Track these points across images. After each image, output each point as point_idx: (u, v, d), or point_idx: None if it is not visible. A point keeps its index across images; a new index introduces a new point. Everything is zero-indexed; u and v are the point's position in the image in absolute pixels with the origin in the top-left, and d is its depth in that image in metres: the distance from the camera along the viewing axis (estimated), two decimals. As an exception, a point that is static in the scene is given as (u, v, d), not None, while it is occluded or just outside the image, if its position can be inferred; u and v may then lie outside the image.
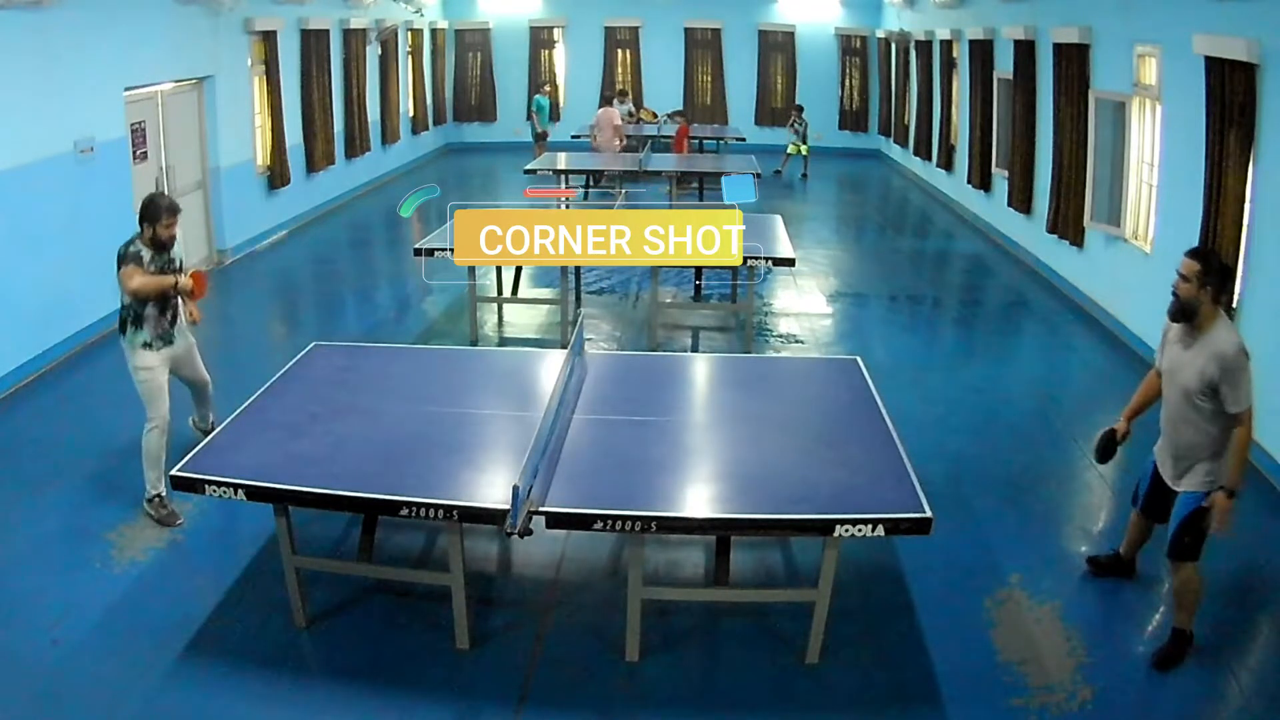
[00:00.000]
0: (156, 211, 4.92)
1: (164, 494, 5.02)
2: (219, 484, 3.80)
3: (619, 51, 19.67)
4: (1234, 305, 6.27)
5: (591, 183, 14.08)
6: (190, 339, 5.38)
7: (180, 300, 5.22)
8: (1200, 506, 3.98)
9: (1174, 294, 3.95)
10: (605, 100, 15.01)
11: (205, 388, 5.59)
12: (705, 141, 17.27)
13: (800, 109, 17.05)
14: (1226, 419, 3.90)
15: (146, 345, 5.02)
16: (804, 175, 16.52)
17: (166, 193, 9.32)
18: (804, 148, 16.48)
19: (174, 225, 4.97)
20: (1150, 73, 7.93)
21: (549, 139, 15.84)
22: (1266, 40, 5.87)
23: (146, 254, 4.95)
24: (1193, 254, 3.96)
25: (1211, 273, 3.87)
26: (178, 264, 5.14)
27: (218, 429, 4.29)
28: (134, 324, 5.01)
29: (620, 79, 19.54)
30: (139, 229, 4.98)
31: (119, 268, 4.89)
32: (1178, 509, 4.07)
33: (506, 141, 19.04)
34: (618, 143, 14.27)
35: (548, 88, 16.94)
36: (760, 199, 14.72)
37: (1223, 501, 3.91)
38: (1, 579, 4.61)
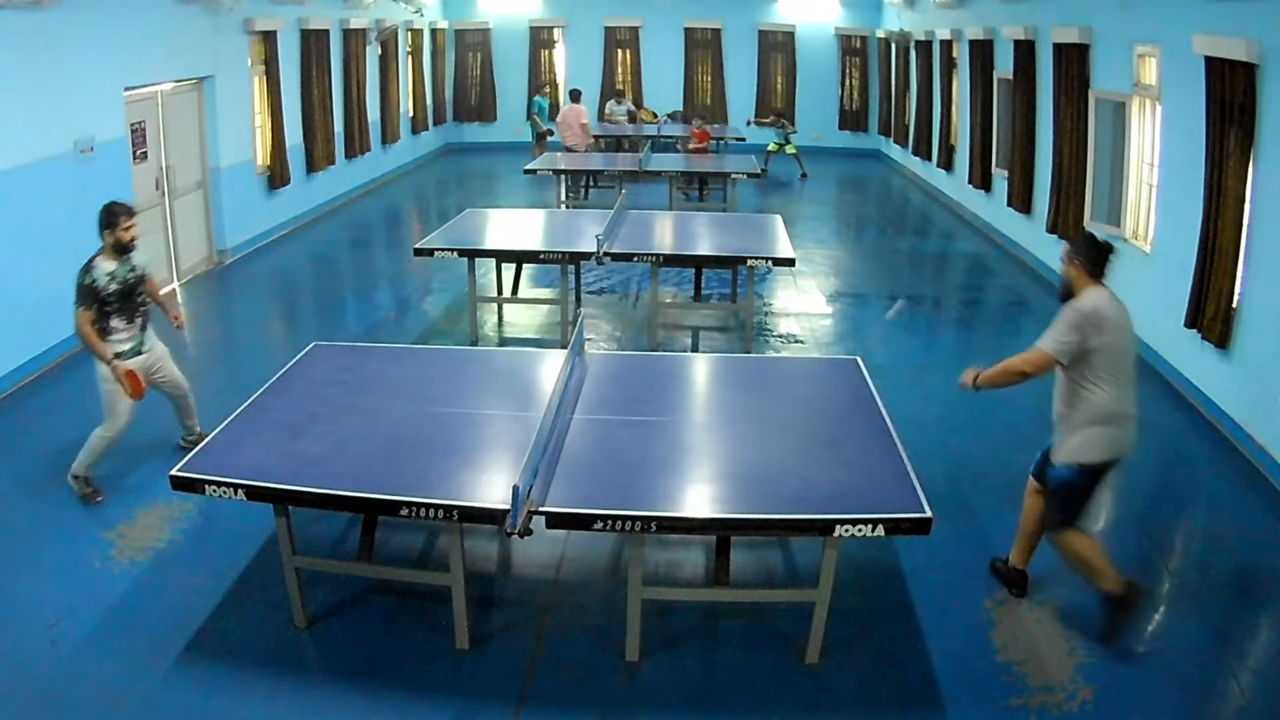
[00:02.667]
0: (114, 216, 4.98)
1: (91, 477, 5.27)
2: (219, 484, 3.80)
3: (619, 51, 19.66)
4: (1234, 305, 6.27)
5: (591, 182, 14.08)
6: (162, 346, 5.41)
7: (150, 308, 5.28)
8: (1064, 482, 4.16)
9: (1060, 277, 4.25)
10: (573, 96, 14.73)
11: (185, 395, 5.57)
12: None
13: (779, 114, 17.09)
14: (1085, 388, 4.05)
15: (117, 356, 5.07)
16: (803, 175, 16.52)
17: (165, 192, 9.34)
18: (789, 147, 16.45)
19: (133, 227, 5.02)
20: (1150, 73, 7.93)
21: (549, 139, 15.83)
22: (1266, 40, 5.87)
23: (107, 271, 4.98)
24: (1068, 238, 4.09)
25: (1079, 250, 4.12)
26: (141, 272, 5.17)
27: (218, 429, 4.27)
28: (102, 337, 5.05)
29: (620, 79, 19.55)
30: (101, 241, 5.02)
31: (75, 300, 4.98)
32: (1048, 484, 4.27)
33: (506, 141, 19.04)
34: (587, 141, 14.07)
35: (547, 89, 16.93)
36: (760, 199, 14.76)
37: (966, 377, 4.29)
38: (1, 579, 4.61)
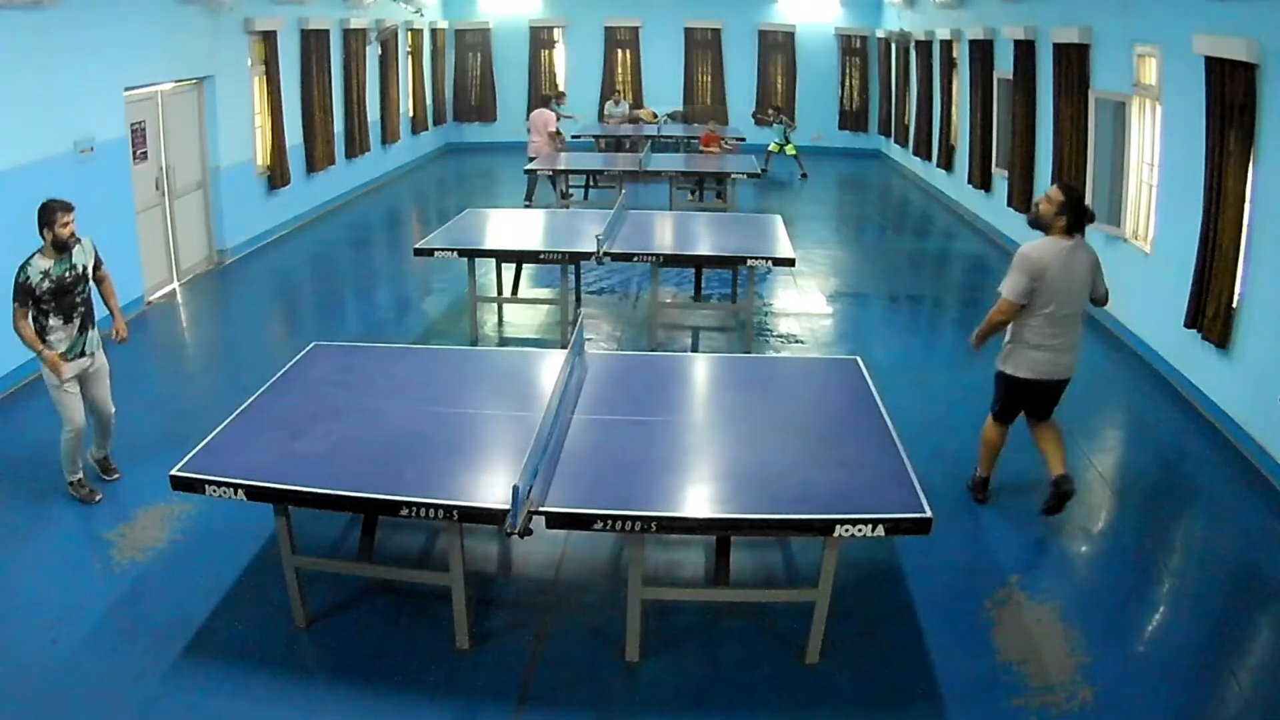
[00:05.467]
0: (50, 212, 4.89)
1: (82, 478, 5.31)
2: (219, 484, 3.80)
3: (619, 51, 19.67)
4: (1234, 305, 6.27)
5: (592, 182, 14.07)
6: (104, 362, 5.31)
7: (90, 310, 5.18)
8: (996, 378, 5.15)
9: (1036, 206, 4.93)
10: (543, 100, 14.21)
11: (108, 419, 5.43)
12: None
13: (779, 110, 17.17)
14: (1022, 316, 4.90)
15: (60, 357, 5.02)
16: (803, 175, 16.52)
17: (165, 192, 9.35)
18: (789, 147, 16.45)
19: (70, 222, 4.93)
20: (1150, 73, 7.93)
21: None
22: (1266, 40, 5.87)
23: (41, 269, 4.91)
24: (1061, 186, 4.89)
25: (1069, 208, 4.77)
26: (80, 270, 5.06)
27: (218, 429, 4.27)
28: (41, 337, 5.01)
29: (620, 79, 19.56)
30: (40, 239, 4.94)
31: (11, 297, 4.94)
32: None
33: (506, 141, 19.04)
34: (551, 147, 13.38)
35: (565, 98, 16.75)
36: (760, 199, 14.76)
37: (973, 338, 5.17)
38: (1, 579, 4.61)
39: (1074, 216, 4.78)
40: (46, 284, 4.94)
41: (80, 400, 5.16)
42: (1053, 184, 4.93)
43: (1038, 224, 4.90)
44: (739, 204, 13.08)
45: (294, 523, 4.13)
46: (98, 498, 5.28)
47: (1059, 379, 5.04)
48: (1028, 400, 5.13)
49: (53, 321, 5.02)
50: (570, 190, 13.29)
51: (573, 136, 16.64)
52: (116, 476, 5.56)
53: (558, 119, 15.49)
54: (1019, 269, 4.79)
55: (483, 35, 19.61)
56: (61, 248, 4.97)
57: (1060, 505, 5.07)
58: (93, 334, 5.21)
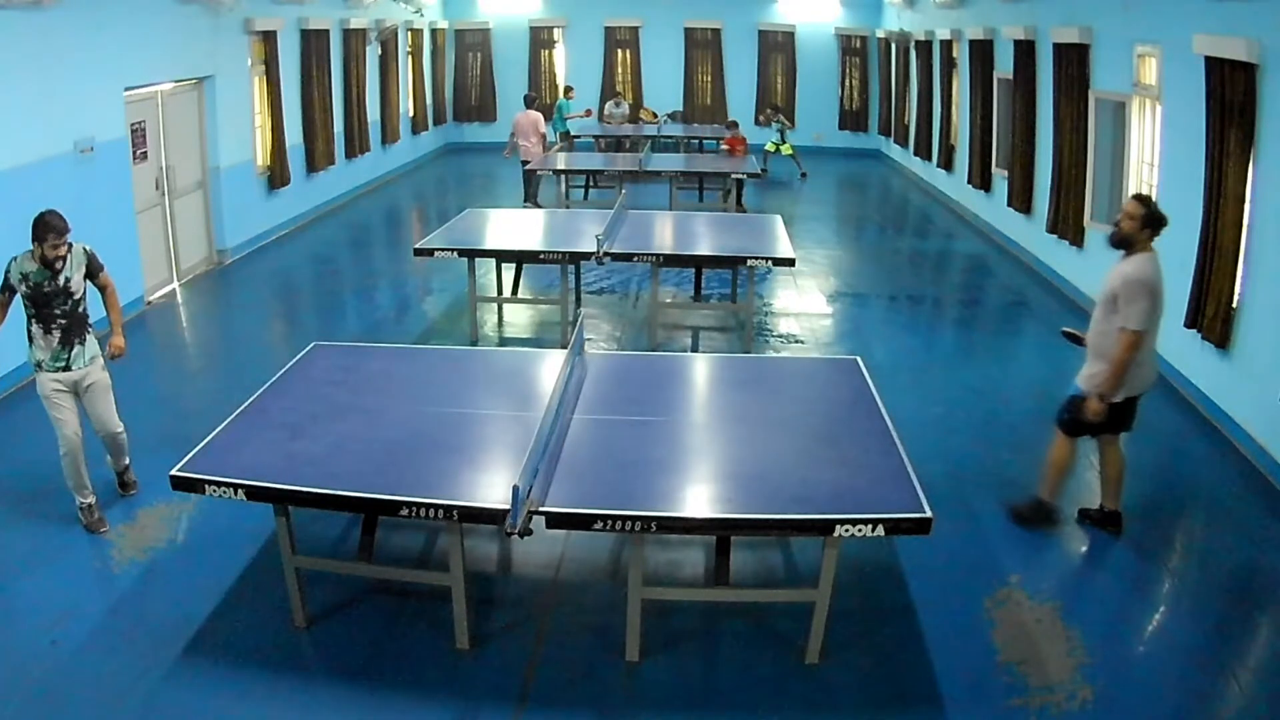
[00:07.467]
0: (43, 231, 4.74)
1: (92, 503, 5.05)
2: (219, 484, 3.79)
3: (619, 51, 19.67)
4: (1234, 305, 6.27)
5: (592, 182, 14.07)
6: (102, 375, 5.06)
7: (76, 327, 4.97)
8: (1076, 395, 4.89)
9: (1117, 226, 4.78)
10: (528, 101, 13.80)
11: (112, 438, 5.18)
12: (705, 141, 17.31)
13: (777, 108, 17.19)
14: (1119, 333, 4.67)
15: (37, 365, 4.92)
16: (803, 175, 16.52)
17: (165, 192, 9.34)
18: (785, 147, 16.44)
19: (60, 247, 4.76)
20: (1150, 73, 7.93)
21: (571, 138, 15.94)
22: (1266, 40, 5.87)
23: (21, 271, 4.81)
24: (1138, 199, 4.79)
25: (1152, 220, 4.68)
26: (62, 283, 4.86)
27: (218, 429, 4.26)
28: (28, 341, 4.92)
29: (620, 79, 19.56)
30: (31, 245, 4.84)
31: None
32: (1071, 399, 4.98)
33: (506, 141, 19.00)
34: (541, 149, 13.19)
35: (573, 92, 16.69)
36: (760, 199, 14.77)
37: (1093, 404, 4.77)
38: (1, 579, 4.61)
39: (1157, 227, 4.68)
40: (24, 287, 4.84)
41: (71, 413, 4.95)
42: (1130, 199, 4.83)
43: (1122, 244, 4.75)
44: (743, 205, 13.08)
45: (294, 523, 4.13)
46: (104, 529, 5.02)
47: (1150, 387, 4.96)
48: (1116, 418, 4.91)
49: (34, 329, 4.89)
50: (544, 196, 13.05)
51: (574, 136, 16.65)
52: (134, 493, 5.42)
53: (564, 118, 15.52)
54: (1141, 295, 4.58)
55: (483, 35, 19.61)
56: (48, 265, 4.82)
57: (1096, 525, 5.20)
58: (80, 349, 4.97)
